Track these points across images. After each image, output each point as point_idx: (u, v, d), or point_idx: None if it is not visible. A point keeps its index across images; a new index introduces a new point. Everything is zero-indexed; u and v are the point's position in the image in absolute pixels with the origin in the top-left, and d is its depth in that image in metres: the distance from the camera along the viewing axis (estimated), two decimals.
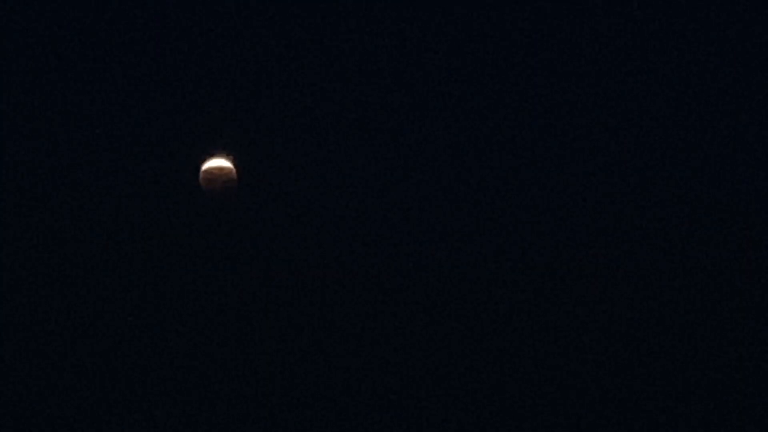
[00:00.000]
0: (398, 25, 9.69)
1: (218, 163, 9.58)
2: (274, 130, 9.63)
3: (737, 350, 9.50)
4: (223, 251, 9.56)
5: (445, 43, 9.70)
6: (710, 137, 9.78)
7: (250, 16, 9.60)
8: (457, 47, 9.68)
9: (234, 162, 9.60)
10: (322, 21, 9.64)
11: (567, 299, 9.62)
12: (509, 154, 9.71)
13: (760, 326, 9.50)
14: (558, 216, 9.71)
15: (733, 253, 9.64)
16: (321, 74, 9.65)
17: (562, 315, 9.59)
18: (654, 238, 9.69)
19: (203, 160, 9.56)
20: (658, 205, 9.73)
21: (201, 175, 9.56)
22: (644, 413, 9.42)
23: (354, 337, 9.50)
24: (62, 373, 9.35)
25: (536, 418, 9.42)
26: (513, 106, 9.70)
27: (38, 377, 9.32)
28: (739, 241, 9.63)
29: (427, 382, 9.48)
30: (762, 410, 9.34)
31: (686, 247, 9.63)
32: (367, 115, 9.69)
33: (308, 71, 9.64)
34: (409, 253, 9.65)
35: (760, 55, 9.74)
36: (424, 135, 9.74)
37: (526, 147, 9.72)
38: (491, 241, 9.66)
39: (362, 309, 9.55)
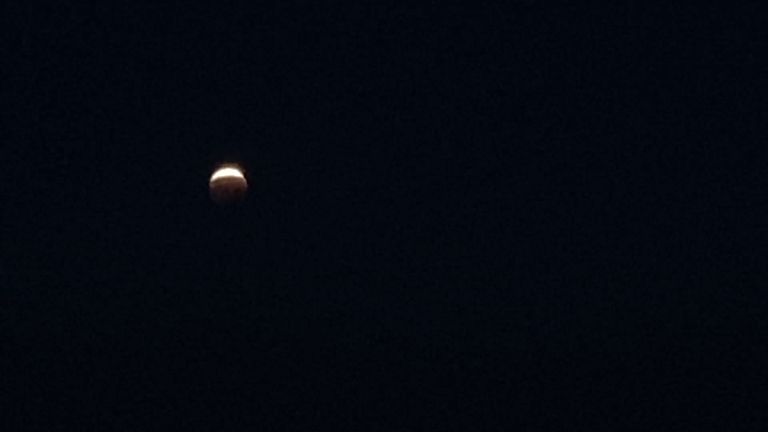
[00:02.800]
0: (411, 38, 9.69)
1: (228, 173, 9.60)
2: (283, 140, 9.64)
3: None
4: (233, 260, 9.60)
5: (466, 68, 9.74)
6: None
7: (261, 29, 9.61)
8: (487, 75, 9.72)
9: (244, 172, 9.62)
10: (334, 32, 9.65)
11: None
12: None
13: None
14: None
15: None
16: (331, 85, 9.66)
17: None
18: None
19: (213, 170, 9.59)
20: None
21: (211, 184, 9.58)
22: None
23: (362, 344, 9.52)
24: (75, 382, 9.50)
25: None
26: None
27: (51, 384, 9.50)
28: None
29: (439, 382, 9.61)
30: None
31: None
32: (378, 125, 9.70)
33: (318, 82, 9.65)
34: (420, 259, 9.65)
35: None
36: (437, 146, 9.74)
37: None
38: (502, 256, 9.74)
39: (371, 316, 9.58)
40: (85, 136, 9.59)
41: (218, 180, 9.59)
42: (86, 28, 9.57)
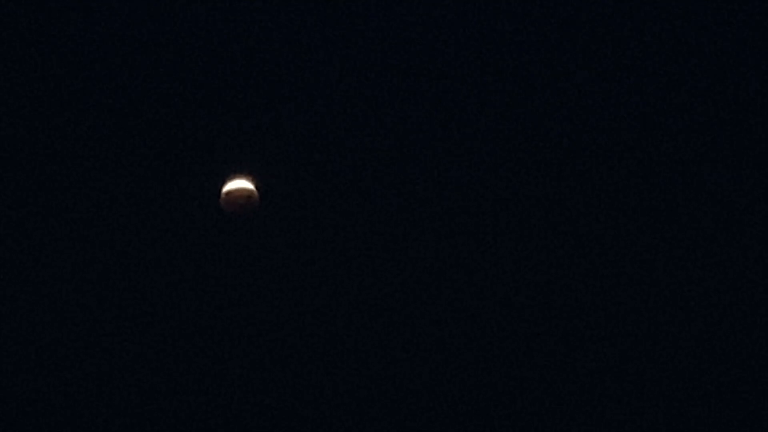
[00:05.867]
0: (425, 50, 9.52)
1: (239, 184, 9.58)
2: (295, 150, 9.58)
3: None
4: (244, 272, 9.63)
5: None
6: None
7: (272, 38, 9.42)
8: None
9: (255, 183, 9.59)
10: (344, 42, 9.45)
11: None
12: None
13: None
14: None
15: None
16: (344, 97, 9.56)
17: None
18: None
19: (224, 182, 9.56)
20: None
21: (222, 196, 9.57)
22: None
23: (374, 353, 9.68)
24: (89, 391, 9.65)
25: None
26: None
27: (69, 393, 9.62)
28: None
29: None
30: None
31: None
32: (389, 135, 9.64)
33: (331, 94, 9.55)
34: (432, 268, 9.72)
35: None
36: (451, 156, 9.68)
37: None
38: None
39: (382, 326, 9.69)
40: (94, 146, 9.51)
41: (229, 191, 9.59)
42: (97, 35, 9.31)
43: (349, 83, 9.57)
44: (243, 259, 9.64)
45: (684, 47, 9.54)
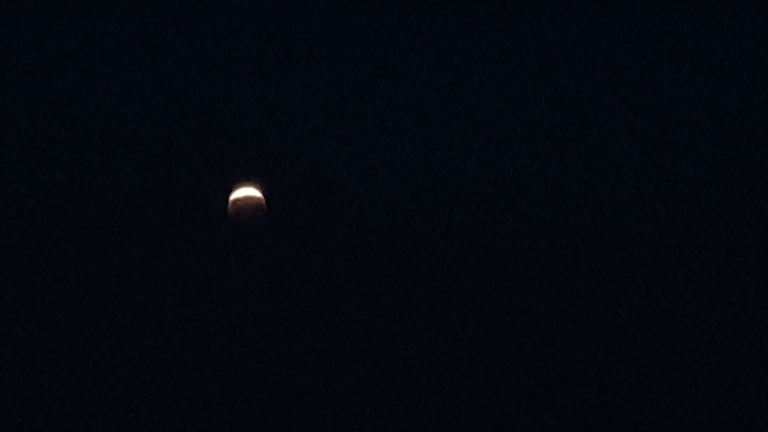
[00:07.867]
0: (433, 58, 9.76)
1: (247, 192, 9.61)
2: (302, 158, 9.64)
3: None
4: (251, 280, 9.55)
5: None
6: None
7: (279, 46, 9.66)
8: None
9: (263, 191, 9.62)
10: (350, 50, 9.69)
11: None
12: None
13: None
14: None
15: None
16: (352, 105, 9.68)
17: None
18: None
19: (232, 190, 9.58)
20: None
21: (230, 204, 9.57)
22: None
23: (380, 360, 9.47)
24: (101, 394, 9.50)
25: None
26: None
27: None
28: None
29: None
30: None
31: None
32: (394, 142, 9.72)
33: (339, 101, 9.67)
34: (438, 277, 9.64)
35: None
36: (456, 163, 9.74)
37: None
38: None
39: (389, 333, 9.54)
40: (100, 155, 9.59)
41: (236, 200, 9.60)
42: (104, 44, 9.62)
43: (358, 91, 9.77)
44: (250, 266, 9.58)
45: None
